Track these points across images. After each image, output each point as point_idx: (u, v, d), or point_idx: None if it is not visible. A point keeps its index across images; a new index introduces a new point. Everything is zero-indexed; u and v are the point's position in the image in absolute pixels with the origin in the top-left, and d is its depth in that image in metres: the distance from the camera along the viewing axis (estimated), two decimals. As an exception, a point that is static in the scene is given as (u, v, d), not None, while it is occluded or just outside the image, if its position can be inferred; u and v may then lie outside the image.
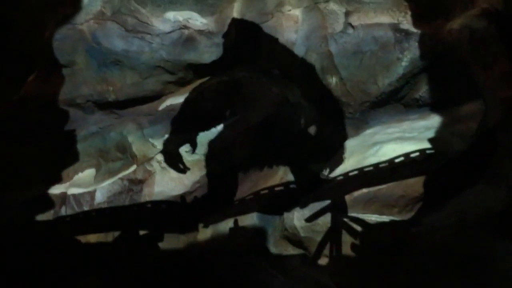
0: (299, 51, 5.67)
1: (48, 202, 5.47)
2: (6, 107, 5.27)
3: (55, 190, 5.54)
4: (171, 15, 5.40)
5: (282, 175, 5.80)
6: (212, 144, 5.55)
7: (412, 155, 5.06)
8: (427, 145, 5.07)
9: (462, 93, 5.22)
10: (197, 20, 5.45)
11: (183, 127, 5.76)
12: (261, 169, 5.74)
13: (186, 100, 5.63)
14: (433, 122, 5.35)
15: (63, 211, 5.53)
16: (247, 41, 5.59)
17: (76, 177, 5.66)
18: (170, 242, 5.65)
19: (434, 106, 5.45)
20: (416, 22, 5.28)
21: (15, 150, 5.40)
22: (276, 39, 5.59)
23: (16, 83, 5.24)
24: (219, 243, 5.54)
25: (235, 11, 5.51)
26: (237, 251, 5.49)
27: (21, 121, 5.39)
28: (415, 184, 5.05)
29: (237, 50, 5.63)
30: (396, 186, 5.10)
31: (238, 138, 5.52)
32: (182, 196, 5.59)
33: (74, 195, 5.52)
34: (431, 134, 5.20)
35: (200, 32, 5.50)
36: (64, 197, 5.50)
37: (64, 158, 5.62)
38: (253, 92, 5.56)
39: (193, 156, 5.60)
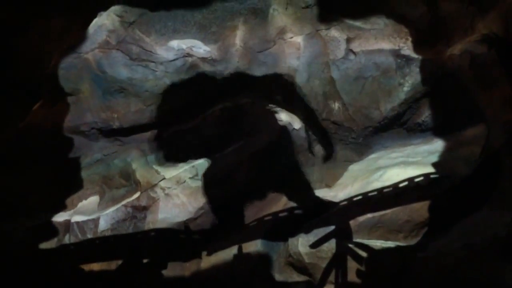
0: (301, 77, 5.70)
1: (52, 230, 5.45)
2: (12, 134, 5.31)
3: (59, 217, 5.53)
4: (175, 43, 5.48)
5: (286, 200, 5.78)
6: (215, 170, 5.53)
7: (416, 179, 5.03)
8: (431, 169, 5.05)
9: (464, 117, 5.24)
10: (200, 48, 5.53)
11: (186, 154, 5.77)
12: (265, 195, 5.72)
13: (190, 127, 5.64)
14: (436, 146, 5.35)
15: (67, 239, 5.50)
16: (249, 68, 5.63)
17: (80, 205, 5.66)
18: (174, 269, 5.60)
19: (437, 131, 5.46)
20: (416, 48, 5.34)
21: (20, 177, 5.41)
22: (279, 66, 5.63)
23: (22, 110, 5.29)
24: (223, 270, 5.48)
25: (238, 39, 5.59)
26: (241, 279, 5.43)
27: (27, 148, 5.42)
28: (420, 209, 5.01)
29: (239, 76, 5.67)
30: (401, 211, 5.07)
31: (241, 164, 5.52)
32: (186, 223, 5.55)
33: (77, 223, 5.51)
34: (434, 158, 5.18)
35: (203, 59, 5.57)
36: (68, 224, 5.48)
37: (68, 185, 5.62)
38: (257, 118, 5.59)
39: (197, 183, 5.59)
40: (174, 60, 5.51)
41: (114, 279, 5.50)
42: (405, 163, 5.28)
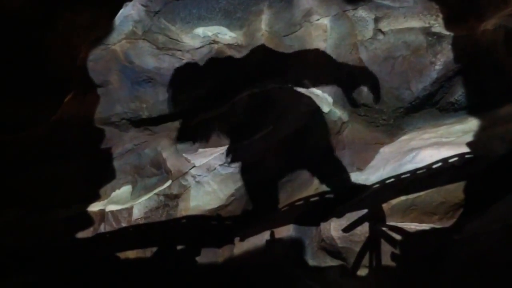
0: (328, 59, 5.61)
1: (88, 220, 5.57)
2: (45, 129, 5.42)
3: (94, 207, 5.64)
4: (200, 30, 5.46)
5: (317, 185, 5.76)
6: (245, 157, 5.54)
7: (451, 160, 4.95)
8: (465, 149, 4.95)
9: (499, 95, 5.10)
10: (226, 34, 5.50)
11: (215, 141, 5.78)
12: (295, 180, 5.71)
13: (218, 114, 5.65)
14: (470, 125, 5.23)
15: (102, 228, 5.62)
16: (276, 52, 5.58)
17: (113, 194, 5.75)
18: (207, 256, 5.67)
19: (471, 109, 5.32)
20: (448, 24, 5.20)
21: (54, 170, 5.53)
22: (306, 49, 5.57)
23: (54, 104, 5.39)
24: (256, 256, 5.52)
25: (263, 24, 5.54)
26: (274, 264, 5.46)
27: (59, 141, 5.52)
28: (455, 190, 4.94)
29: (266, 62, 5.63)
30: (436, 192, 5.00)
31: (271, 150, 5.50)
32: (218, 210, 5.59)
33: (112, 212, 5.61)
34: (469, 138, 5.08)
35: (230, 46, 5.54)
36: (102, 214, 5.60)
37: (101, 176, 5.72)
38: (284, 103, 5.55)
39: (227, 170, 5.61)
40: (200, 47, 5.50)
41: (149, 266, 5.59)
42: (439, 143, 5.18)
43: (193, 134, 5.86)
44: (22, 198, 5.41)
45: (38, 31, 5.17)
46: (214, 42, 5.54)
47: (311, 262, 5.43)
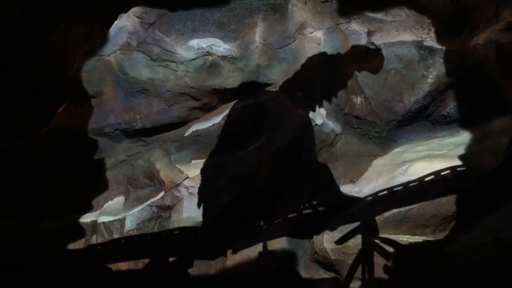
0: (322, 72, 5.65)
1: (80, 231, 5.54)
2: (37, 138, 5.41)
3: (86, 218, 5.62)
4: (194, 42, 5.50)
5: (310, 197, 5.75)
6: (238, 168, 5.53)
7: (443, 173, 4.95)
8: (457, 162, 4.97)
9: (491, 108, 5.15)
10: (220, 46, 5.54)
11: (209, 153, 5.79)
12: (288, 192, 5.69)
13: (212, 125, 5.66)
14: (463, 138, 5.27)
15: (94, 239, 5.58)
16: (270, 65, 5.62)
17: (106, 205, 5.74)
18: (200, 268, 5.64)
19: (463, 122, 5.37)
20: (440, 38, 5.26)
21: (47, 180, 5.51)
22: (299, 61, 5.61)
23: (47, 114, 5.39)
24: (249, 268, 5.49)
25: (257, 36, 5.59)
26: (267, 276, 5.43)
27: (52, 151, 5.53)
28: (447, 203, 4.94)
29: (260, 73, 5.66)
30: (428, 205, 5.00)
31: (264, 162, 5.50)
32: (211, 221, 5.57)
33: (104, 223, 5.58)
34: (461, 150, 5.10)
35: (224, 57, 5.58)
36: (95, 225, 5.57)
37: (94, 186, 5.71)
38: (278, 114, 5.56)
39: (220, 181, 5.60)
40: (194, 59, 5.54)
41: (141, 278, 5.55)
42: (431, 156, 5.20)
43: (186, 145, 5.85)
44: (14, 209, 5.38)
45: (33, 42, 5.19)
46: (209, 54, 5.57)
47: (304, 274, 5.40)
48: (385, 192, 5.14)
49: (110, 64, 5.42)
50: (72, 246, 5.57)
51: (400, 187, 5.09)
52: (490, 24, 4.91)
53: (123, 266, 5.56)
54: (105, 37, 5.35)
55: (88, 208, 5.61)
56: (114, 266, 5.58)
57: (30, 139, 5.32)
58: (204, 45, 5.48)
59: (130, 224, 5.53)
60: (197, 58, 5.52)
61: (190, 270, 5.54)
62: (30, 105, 5.40)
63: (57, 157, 5.52)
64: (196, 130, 5.81)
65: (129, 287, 5.53)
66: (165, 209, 5.49)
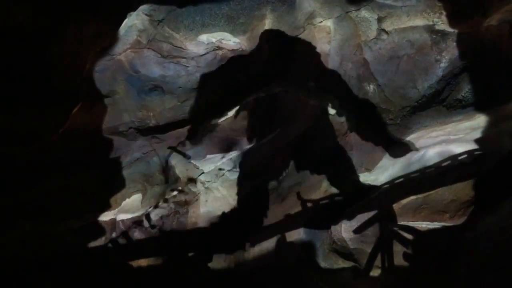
0: (333, 61, 5.62)
1: (99, 229, 5.61)
2: (54, 140, 5.47)
3: (105, 217, 5.69)
4: (204, 37, 5.49)
5: (326, 187, 5.75)
6: (253, 161, 5.55)
7: (460, 157, 4.90)
8: (474, 146, 4.92)
9: (507, 90, 5.04)
10: (230, 40, 5.53)
11: (223, 147, 5.81)
12: (304, 183, 5.70)
13: (225, 119, 5.67)
14: (479, 122, 5.19)
15: (114, 237, 5.65)
16: (281, 56, 5.59)
17: (124, 203, 5.80)
18: (219, 262, 5.68)
19: (478, 106, 5.28)
20: (452, 21, 5.17)
21: (65, 180, 5.58)
22: (310, 52, 5.57)
23: (62, 116, 5.44)
24: (268, 260, 5.52)
25: (267, 28, 5.54)
26: (286, 266, 5.45)
27: (68, 152, 5.58)
28: (465, 188, 4.90)
29: (271, 65, 5.64)
30: (446, 190, 4.97)
31: (279, 153, 5.51)
32: (228, 215, 5.60)
33: (123, 221, 5.64)
34: (478, 134, 5.04)
35: (234, 51, 5.55)
36: (114, 223, 5.63)
37: (111, 185, 5.76)
38: (291, 106, 5.56)
39: (236, 175, 5.63)
40: (204, 54, 5.53)
41: (161, 274, 5.62)
42: (447, 141, 5.16)
43: (200, 141, 5.88)
44: (35, 210, 5.46)
45: (45, 44, 5.23)
46: (218, 48, 5.56)
47: (323, 264, 5.41)
48: (402, 179, 5.12)
49: (121, 63, 5.44)
50: (92, 244, 5.64)
51: (417, 174, 5.05)
52: (503, 4, 4.81)
53: (143, 262, 5.63)
54: (115, 37, 5.36)
55: (107, 207, 5.68)
56: (134, 263, 5.65)
57: (48, 140, 5.37)
58: (213, 40, 5.48)
59: (148, 221, 5.58)
60: (207, 53, 5.52)
61: (209, 265, 5.58)
62: (45, 108, 5.44)
63: (74, 158, 5.56)
64: (210, 125, 5.81)
65: (150, 283, 5.59)
66: (182, 205, 5.54)
